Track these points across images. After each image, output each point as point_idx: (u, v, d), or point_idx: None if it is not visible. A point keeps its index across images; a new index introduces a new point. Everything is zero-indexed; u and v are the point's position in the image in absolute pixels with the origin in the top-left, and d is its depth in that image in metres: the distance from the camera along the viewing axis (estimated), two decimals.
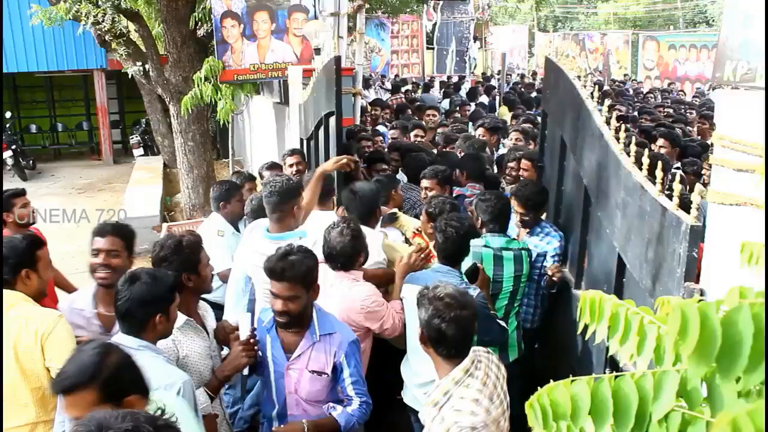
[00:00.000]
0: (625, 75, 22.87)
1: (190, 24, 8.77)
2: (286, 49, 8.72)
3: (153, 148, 15.63)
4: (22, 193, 4.77)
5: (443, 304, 2.48)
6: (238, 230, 4.93)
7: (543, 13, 33.94)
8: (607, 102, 3.79)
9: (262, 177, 5.54)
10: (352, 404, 3.00)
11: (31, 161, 14.98)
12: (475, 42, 22.75)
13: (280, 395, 3.05)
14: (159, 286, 2.58)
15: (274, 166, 5.63)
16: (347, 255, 3.50)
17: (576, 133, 3.94)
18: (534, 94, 12.88)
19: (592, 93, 3.78)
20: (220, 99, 8.52)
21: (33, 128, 17.51)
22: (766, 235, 0.76)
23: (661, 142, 6.48)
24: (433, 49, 21.65)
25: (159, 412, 1.75)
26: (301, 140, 7.52)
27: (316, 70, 6.32)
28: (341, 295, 3.49)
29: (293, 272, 2.85)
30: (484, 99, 13.57)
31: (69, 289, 4.43)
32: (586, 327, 1.18)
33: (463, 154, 6.10)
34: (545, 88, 5.32)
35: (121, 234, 3.25)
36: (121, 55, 10.59)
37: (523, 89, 14.59)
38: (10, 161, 14.04)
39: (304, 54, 8.73)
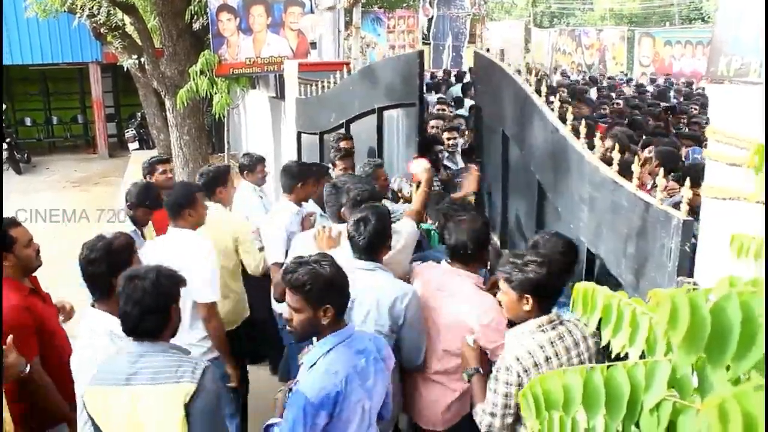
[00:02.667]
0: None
1: (186, 17, 8.76)
2: (282, 43, 8.73)
3: (148, 141, 15.60)
4: (165, 160, 5.43)
5: (539, 263, 2.67)
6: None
7: (539, 8, 33.94)
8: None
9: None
10: None
11: (25, 154, 14.96)
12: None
13: None
14: (384, 221, 3.24)
15: (380, 165, 4.90)
16: (475, 248, 3.19)
17: (522, 127, 3.91)
18: None
19: (538, 88, 3.72)
20: (215, 93, 8.53)
21: (27, 121, 17.47)
22: (767, 231, 0.77)
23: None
24: (429, 44, 21.64)
25: None
26: (298, 133, 7.53)
27: (348, 66, 6.35)
28: (490, 306, 3.07)
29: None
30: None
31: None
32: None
33: None
34: (476, 82, 5.26)
35: None
36: (117, 48, 10.59)
37: None
38: (4, 154, 14.01)
39: (300, 48, 8.74)
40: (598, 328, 1.16)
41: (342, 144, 5.48)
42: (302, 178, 4.57)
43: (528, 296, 2.65)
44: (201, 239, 3.88)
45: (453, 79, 15.43)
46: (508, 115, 4.17)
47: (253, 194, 5.37)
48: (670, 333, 0.84)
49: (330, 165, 5.24)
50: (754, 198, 0.87)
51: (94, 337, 2.83)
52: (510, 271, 2.68)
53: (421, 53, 5.10)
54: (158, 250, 3.81)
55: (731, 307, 0.79)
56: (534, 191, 3.81)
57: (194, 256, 3.68)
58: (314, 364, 2.53)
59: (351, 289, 2.63)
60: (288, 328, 2.58)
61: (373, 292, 3.10)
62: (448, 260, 3.26)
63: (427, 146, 5.23)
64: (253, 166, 5.45)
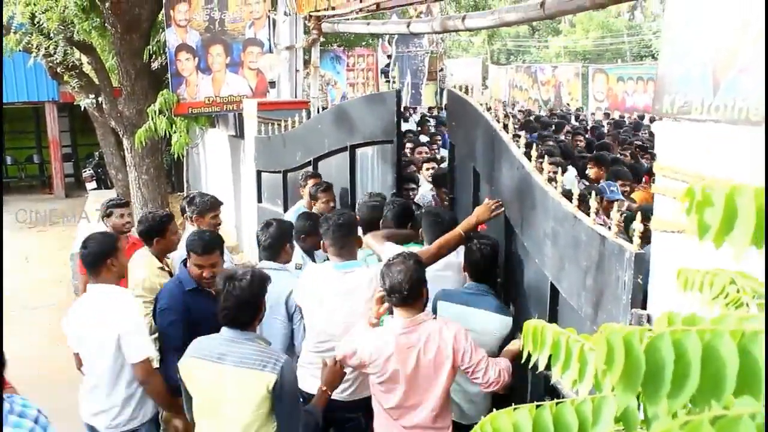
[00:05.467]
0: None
1: (145, 57, 8.74)
2: (241, 82, 8.75)
3: (106, 181, 15.39)
4: (123, 204, 5.15)
5: None
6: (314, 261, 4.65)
7: (495, 46, 34.72)
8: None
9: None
10: None
11: None
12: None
13: None
14: (285, 226, 4.11)
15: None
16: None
17: (491, 164, 3.97)
18: None
19: (505, 125, 3.79)
20: (174, 132, 8.48)
21: None
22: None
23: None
24: (388, 81, 21.91)
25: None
26: (258, 172, 7.52)
27: (308, 105, 6.37)
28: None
29: None
30: None
31: None
32: (529, 356, 1.20)
33: None
34: (450, 119, 5.26)
35: None
36: (74, 87, 10.49)
37: None
38: None
39: (259, 87, 8.76)
40: (549, 365, 1.18)
41: (311, 181, 5.48)
42: (200, 211, 4.75)
43: None
44: (123, 294, 3.63)
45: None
46: (479, 152, 4.23)
47: None
48: (608, 372, 0.86)
49: (310, 199, 5.22)
50: (690, 231, 0.91)
51: None
52: None
53: (399, 92, 5.23)
54: (80, 312, 3.58)
55: (664, 346, 0.81)
56: (502, 228, 3.85)
57: (118, 315, 3.47)
58: None
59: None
60: None
61: (274, 288, 3.41)
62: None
63: (400, 184, 5.31)
64: (204, 211, 4.75)
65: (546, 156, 3.70)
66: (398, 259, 3.11)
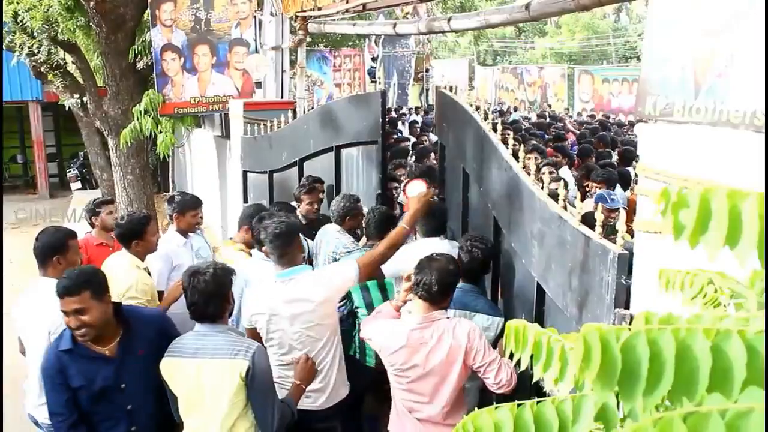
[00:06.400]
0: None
1: (130, 56, 8.69)
2: (227, 82, 8.72)
3: (91, 181, 15.30)
4: (110, 201, 5.33)
5: None
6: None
7: (482, 47, 34.79)
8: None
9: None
10: None
11: None
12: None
13: None
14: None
15: (358, 200, 4.95)
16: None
17: (480, 165, 3.99)
18: None
19: (494, 126, 3.82)
20: (160, 132, 8.43)
21: None
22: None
23: None
24: (375, 82, 21.93)
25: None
26: (244, 173, 7.50)
27: (297, 108, 6.36)
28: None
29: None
30: None
31: None
32: (512, 355, 1.21)
33: None
34: (439, 120, 5.26)
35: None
36: (58, 87, 10.42)
37: None
38: None
39: (245, 87, 8.74)
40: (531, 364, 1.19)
41: (317, 185, 5.36)
42: (180, 209, 4.68)
43: None
44: None
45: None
46: (468, 153, 4.24)
47: (181, 249, 4.69)
48: (585, 371, 0.87)
49: (295, 200, 5.20)
50: (667, 231, 0.93)
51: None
52: None
53: (384, 93, 5.26)
54: (25, 301, 3.59)
55: (640, 345, 0.83)
56: (491, 229, 3.87)
57: (53, 312, 3.20)
58: None
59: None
60: None
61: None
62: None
63: (385, 183, 5.33)
64: (184, 209, 4.72)
65: (536, 155, 3.74)
66: (442, 258, 3.20)
